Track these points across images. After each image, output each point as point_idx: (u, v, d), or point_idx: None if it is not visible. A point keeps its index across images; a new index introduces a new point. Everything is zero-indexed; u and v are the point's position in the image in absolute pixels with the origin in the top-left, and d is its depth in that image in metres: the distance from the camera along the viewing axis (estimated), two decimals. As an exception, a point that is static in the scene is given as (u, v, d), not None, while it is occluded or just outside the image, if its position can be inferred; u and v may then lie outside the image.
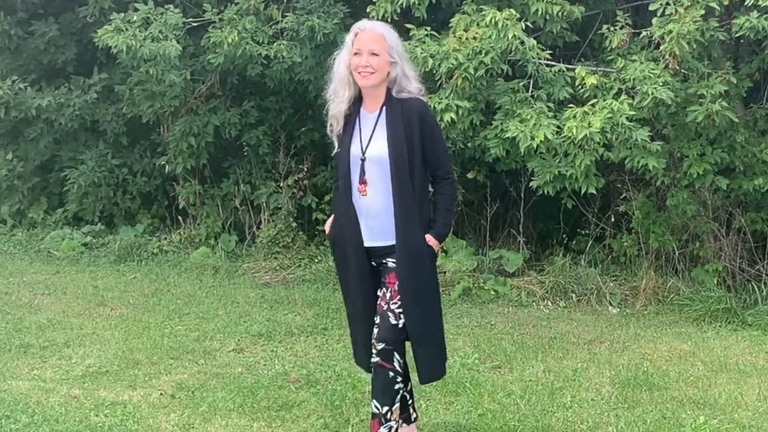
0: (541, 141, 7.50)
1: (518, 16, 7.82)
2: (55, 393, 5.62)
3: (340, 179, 4.58)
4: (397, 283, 4.44)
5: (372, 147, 4.45)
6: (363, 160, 4.45)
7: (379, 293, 4.53)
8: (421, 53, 7.78)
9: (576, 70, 7.84)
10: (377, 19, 8.06)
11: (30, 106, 10.46)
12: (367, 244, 4.50)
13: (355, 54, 4.45)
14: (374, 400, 4.51)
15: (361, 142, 4.48)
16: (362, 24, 4.56)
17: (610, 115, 7.31)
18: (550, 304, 8.30)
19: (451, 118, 7.84)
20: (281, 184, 10.17)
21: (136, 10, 9.18)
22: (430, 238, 4.48)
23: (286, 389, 5.76)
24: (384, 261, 4.52)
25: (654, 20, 7.54)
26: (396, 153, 4.40)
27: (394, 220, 4.43)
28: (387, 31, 4.52)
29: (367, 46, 4.43)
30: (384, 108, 4.48)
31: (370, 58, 4.42)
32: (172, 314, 7.65)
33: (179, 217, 10.70)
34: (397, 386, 4.48)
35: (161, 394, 5.65)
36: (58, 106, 10.59)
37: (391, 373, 4.45)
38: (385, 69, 4.44)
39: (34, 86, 10.86)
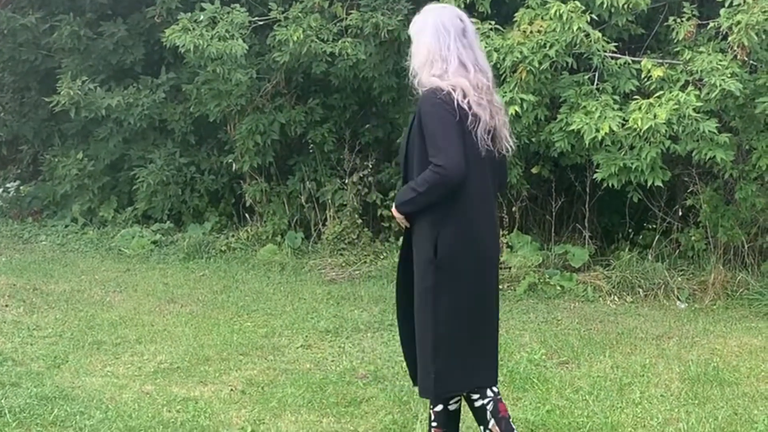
0: (606, 133, 7.46)
1: (583, 8, 7.78)
2: (128, 389, 5.73)
3: None
4: None
5: None
6: None
7: None
8: (486, 47, 7.77)
9: (642, 63, 7.78)
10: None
11: (99, 106, 10.60)
12: None
13: None
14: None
15: None
16: None
17: (676, 106, 7.24)
18: (616, 299, 8.24)
19: (516, 112, 7.83)
20: (346, 181, 10.23)
21: (202, 9, 9.29)
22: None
23: (355, 385, 5.80)
24: None
25: (722, 11, 7.45)
26: (400, 152, 4.34)
27: None
28: (416, 16, 4.35)
29: None
30: None
31: None
32: (240, 311, 7.74)
33: (246, 215, 10.80)
34: None
35: (232, 390, 5.72)
36: (127, 105, 10.73)
37: None
38: (413, 57, 4.31)
39: (103, 86, 11.01)
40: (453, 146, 4.00)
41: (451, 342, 4.15)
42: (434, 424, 4.38)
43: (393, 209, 4.28)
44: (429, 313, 4.14)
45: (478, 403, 4.28)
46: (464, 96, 4.05)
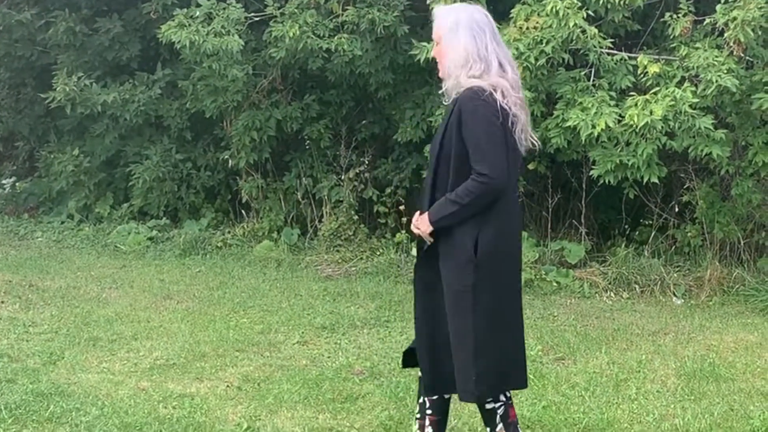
0: (602, 129, 7.45)
1: (579, 4, 7.76)
2: (124, 385, 5.72)
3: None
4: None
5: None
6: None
7: None
8: (482, 44, 7.76)
9: (638, 59, 7.78)
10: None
11: (95, 103, 10.58)
12: None
13: None
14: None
15: None
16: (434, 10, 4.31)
17: (672, 103, 7.24)
18: (613, 295, 8.25)
19: (512, 109, 7.82)
20: (342, 177, 10.22)
21: (198, 5, 9.27)
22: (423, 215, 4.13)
23: (351, 381, 5.80)
24: None
25: (718, 7, 7.45)
26: (431, 151, 4.21)
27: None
28: (443, 15, 4.18)
29: (433, 34, 4.24)
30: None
31: (435, 48, 4.22)
32: (236, 307, 7.74)
33: (242, 211, 10.80)
34: None
35: (228, 386, 5.72)
36: (123, 102, 10.71)
37: None
38: (444, 57, 4.16)
39: (99, 82, 11.00)
40: (498, 153, 3.96)
41: (492, 342, 4.10)
42: (429, 411, 4.36)
43: (420, 224, 4.14)
44: (468, 313, 4.04)
45: (489, 406, 4.25)
46: (503, 96, 4.01)
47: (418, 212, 4.23)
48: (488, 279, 4.05)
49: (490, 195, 3.96)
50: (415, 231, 4.22)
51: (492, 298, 4.07)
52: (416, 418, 4.45)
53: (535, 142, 4.26)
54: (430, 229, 4.10)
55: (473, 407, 4.70)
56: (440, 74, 4.21)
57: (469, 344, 4.06)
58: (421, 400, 4.41)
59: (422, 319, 4.29)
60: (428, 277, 4.23)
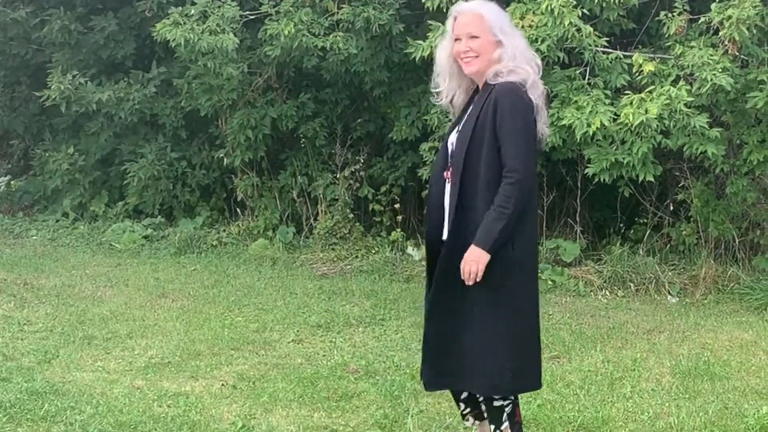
0: (597, 128, 7.46)
1: (574, 3, 7.76)
2: (119, 384, 5.70)
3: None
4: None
5: (454, 134, 4.19)
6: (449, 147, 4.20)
7: None
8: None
9: (633, 57, 7.78)
10: (432, 10, 8.08)
11: (90, 101, 10.56)
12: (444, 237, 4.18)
13: (456, 40, 4.13)
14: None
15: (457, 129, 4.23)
16: (459, 6, 4.23)
17: (667, 101, 7.24)
18: (608, 293, 8.25)
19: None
20: (338, 176, 10.22)
21: (193, 3, 9.25)
22: (470, 249, 3.97)
23: (346, 380, 5.79)
24: None
25: (713, 6, 7.45)
26: (460, 141, 4.10)
27: (448, 209, 4.14)
28: (487, 8, 4.16)
29: (465, 29, 4.12)
30: (478, 94, 4.17)
31: (470, 42, 4.11)
32: (232, 305, 7.73)
33: (237, 210, 10.79)
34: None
35: (223, 384, 5.71)
36: (118, 100, 10.70)
37: None
38: (488, 51, 4.09)
39: (94, 81, 10.98)
40: (529, 149, 3.97)
41: (526, 338, 4.13)
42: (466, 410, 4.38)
43: (473, 259, 3.97)
44: (507, 309, 4.03)
45: (497, 403, 4.21)
46: (533, 90, 4.04)
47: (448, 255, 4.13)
48: (525, 277, 4.09)
49: (527, 193, 3.96)
50: (467, 272, 4.03)
51: (527, 297, 4.12)
52: (465, 414, 4.40)
53: (547, 131, 4.28)
54: (488, 257, 3.96)
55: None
56: (473, 69, 4.12)
57: (504, 340, 4.06)
58: (465, 395, 4.36)
59: (437, 315, 4.21)
60: (450, 292, 4.17)
